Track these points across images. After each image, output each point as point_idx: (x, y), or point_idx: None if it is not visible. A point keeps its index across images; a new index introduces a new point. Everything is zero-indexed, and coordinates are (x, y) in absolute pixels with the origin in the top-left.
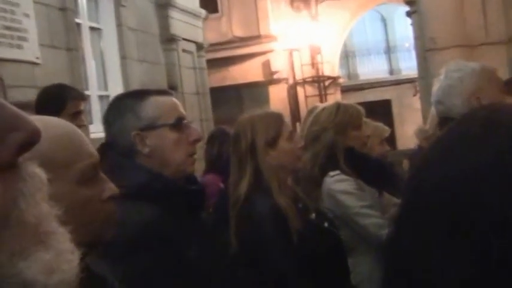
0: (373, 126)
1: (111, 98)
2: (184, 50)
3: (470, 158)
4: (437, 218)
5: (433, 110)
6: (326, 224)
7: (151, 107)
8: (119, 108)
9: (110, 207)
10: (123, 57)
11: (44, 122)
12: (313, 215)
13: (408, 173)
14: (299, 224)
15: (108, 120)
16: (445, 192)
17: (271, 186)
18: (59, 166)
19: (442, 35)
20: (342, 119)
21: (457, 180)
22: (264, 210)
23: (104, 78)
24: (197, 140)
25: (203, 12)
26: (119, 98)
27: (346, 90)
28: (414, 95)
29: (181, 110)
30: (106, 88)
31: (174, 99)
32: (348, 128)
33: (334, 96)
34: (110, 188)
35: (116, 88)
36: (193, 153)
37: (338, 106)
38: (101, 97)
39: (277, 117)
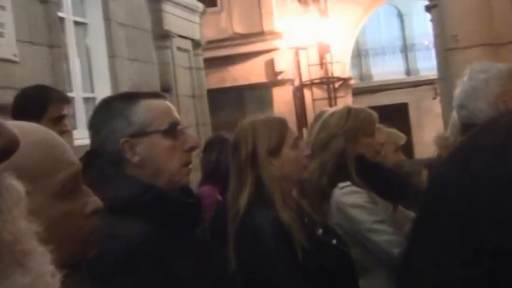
0: (387, 133)
1: (97, 101)
2: (179, 48)
3: (492, 170)
4: (454, 237)
5: (454, 115)
6: (334, 241)
7: (142, 111)
8: (107, 113)
9: (93, 222)
10: (112, 56)
11: (19, 128)
12: (320, 231)
13: (426, 185)
14: (304, 240)
15: (94, 125)
16: (464, 207)
17: (274, 198)
18: (36, 177)
19: (465, 32)
20: (353, 125)
21: (478, 196)
22: (265, 225)
23: (89, 78)
24: (193, 148)
25: (200, 6)
26: (107, 101)
27: (358, 92)
28: (434, 98)
29: (176, 114)
30: (92, 90)
31: (168, 103)
32: (360, 135)
33: (345, 100)
34: (94, 201)
35: (103, 90)
36: (188, 163)
37: (349, 110)
38: (86, 100)
39: (281, 123)
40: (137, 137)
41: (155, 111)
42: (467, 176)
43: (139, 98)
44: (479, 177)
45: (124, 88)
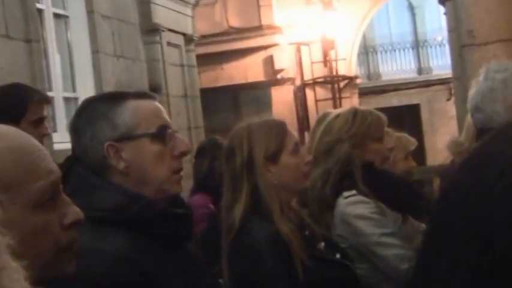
0: (396, 138)
1: (79, 102)
2: (169, 43)
3: (508, 179)
4: (467, 248)
5: (469, 118)
6: (337, 255)
7: (128, 113)
8: (90, 115)
9: (73, 235)
10: (95, 52)
11: None
12: (322, 245)
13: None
14: (304, 255)
15: (76, 128)
16: (479, 217)
17: (272, 209)
18: (10, 187)
19: (482, 28)
20: (360, 129)
21: (493, 205)
22: (262, 239)
23: (71, 76)
24: (184, 153)
25: None
26: (89, 102)
27: (365, 93)
28: (448, 99)
29: (165, 116)
30: (74, 89)
31: (157, 104)
32: (367, 140)
33: (351, 101)
34: (74, 212)
35: (86, 89)
36: (179, 169)
37: (355, 113)
38: (67, 100)
39: (280, 127)
40: (123, 141)
41: (143, 113)
42: (481, 184)
43: (125, 99)
44: (494, 186)
45: (109, 87)
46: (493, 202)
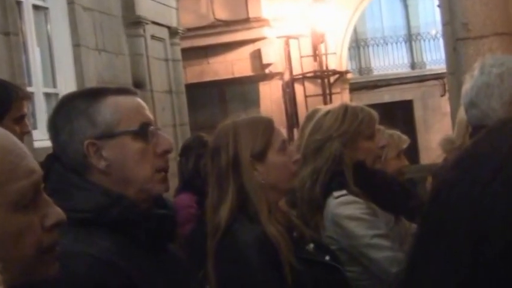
0: (388, 135)
1: (60, 97)
2: (153, 37)
3: (501, 177)
4: (461, 249)
5: (461, 114)
6: (327, 258)
7: (109, 109)
8: (68, 112)
9: (54, 237)
10: (76, 45)
11: None
12: (311, 246)
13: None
14: (292, 257)
15: (55, 125)
16: (472, 217)
17: (259, 210)
18: None
19: (477, 20)
20: (350, 126)
21: (487, 205)
22: (249, 241)
23: (51, 71)
24: (167, 151)
25: None
26: (68, 99)
27: (356, 88)
28: (442, 95)
29: (148, 113)
30: (54, 84)
31: (139, 100)
32: (358, 138)
33: (341, 96)
34: (55, 213)
35: (67, 84)
36: (162, 168)
37: (345, 110)
38: (47, 95)
39: (266, 124)
40: (103, 139)
41: (124, 110)
42: (475, 183)
43: (106, 95)
44: (488, 184)
45: (90, 82)
46: (487, 201)
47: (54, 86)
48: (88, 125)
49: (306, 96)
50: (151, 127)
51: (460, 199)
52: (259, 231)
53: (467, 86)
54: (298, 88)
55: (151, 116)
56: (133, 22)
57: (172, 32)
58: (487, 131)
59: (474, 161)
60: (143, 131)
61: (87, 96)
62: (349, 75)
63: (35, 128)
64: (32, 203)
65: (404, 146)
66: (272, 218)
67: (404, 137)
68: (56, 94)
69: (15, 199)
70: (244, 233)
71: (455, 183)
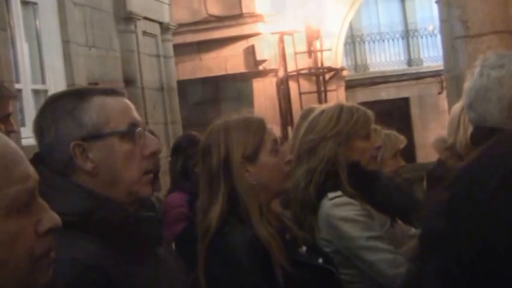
0: (384, 135)
1: (49, 94)
2: (145, 33)
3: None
4: (469, 259)
5: (453, 112)
6: (320, 260)
7: (95, 110)
8: (54, 111)
9: (48, 242)
10: (66, 41)
11: None
12: (304, 249)
13: (427, 196)
14: (284, 260)
15: (41, 126)
16: (483, 227)
17: (250, 212)
18: None
19: (476, 18)
20: (346, 126)
21: (496, 215)
22: (240, 244)
23: (40, 67)
24: (154, 153)
25: None
26: (54, 99)
27: (351, 85)
28: (439, 93)
29: (135, 114)
30: (43, 81)
31: (126, 101)
32: (353, 138)
33: (336, 94)
34: (49, 217)
35: (56, 81)
36: (149, 170)
37: (341, 109)
38: (36, 92)
39: (258, 124)
40: (90, 140)
41: (111, 111)
42: (482, 194)
43: (92, 95)
44: (495, 196)
45: (80, 79)
46: (494, 212)
47: (43, 83)
48: (74, 126)
49: (300, 94)
50: (139, 128)
51: (468, 211)
52: (250, 233)
53: (467, 85)
54: (292, 85)
55: (138, 117)
56: (125, 18)
57: (164, 27)
58: (497, 140)
59: (480, 172)
60: (131, 132)
61: (73, 97)
62: (344, 73)
63: (23, 125)
64: (26, 208)
65: (401, 146)
66: (263, 220)
67: (401, 137)
68: (45, 91)
69: (9, 204)
70: (235, 236)
71: (463, 195)
